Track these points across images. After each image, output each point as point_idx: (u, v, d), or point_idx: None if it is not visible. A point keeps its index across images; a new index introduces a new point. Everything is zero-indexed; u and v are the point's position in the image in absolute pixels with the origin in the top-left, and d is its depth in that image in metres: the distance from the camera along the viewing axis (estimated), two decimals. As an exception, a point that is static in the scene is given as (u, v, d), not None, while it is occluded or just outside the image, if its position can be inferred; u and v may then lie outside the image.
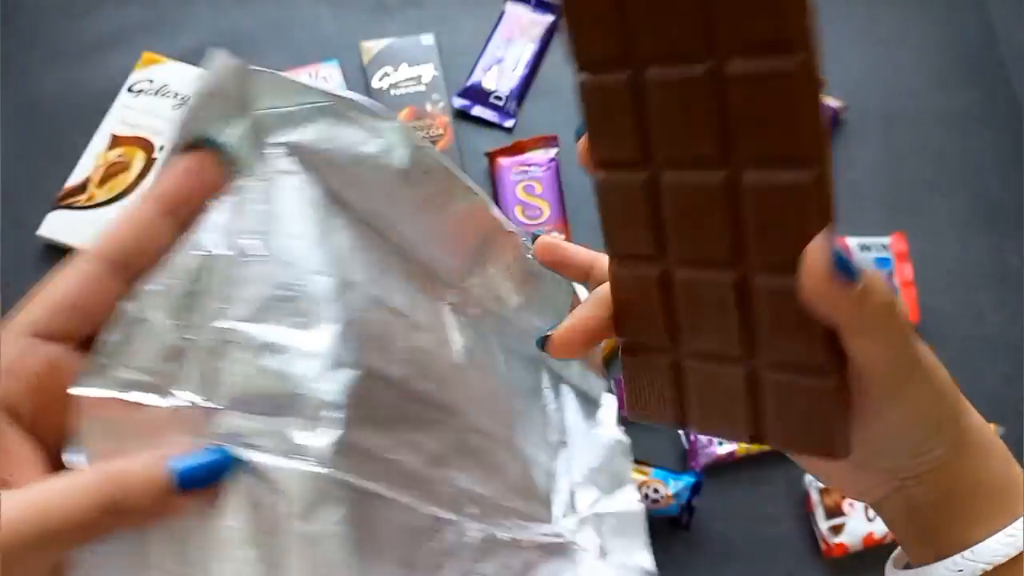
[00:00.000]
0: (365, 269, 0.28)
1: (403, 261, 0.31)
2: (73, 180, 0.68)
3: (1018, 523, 0.26)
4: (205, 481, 0.24)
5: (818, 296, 0.22)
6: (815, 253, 0.22)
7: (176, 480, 0.24)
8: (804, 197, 0.21)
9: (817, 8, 0.20)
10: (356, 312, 0.27)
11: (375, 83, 0.72)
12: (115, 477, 0.23)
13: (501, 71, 0.74)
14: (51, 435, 0.25)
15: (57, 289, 0.25)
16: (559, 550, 0.35)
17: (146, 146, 0.69)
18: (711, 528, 0.60)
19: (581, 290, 0.38)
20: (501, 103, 0.73)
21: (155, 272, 0.25)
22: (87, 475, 0.23)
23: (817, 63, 0.20)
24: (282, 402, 0.24)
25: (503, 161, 0.70)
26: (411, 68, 0.73)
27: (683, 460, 0.62)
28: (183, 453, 0.24)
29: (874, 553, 0.58)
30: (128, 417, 0.25)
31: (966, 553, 0.26)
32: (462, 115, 0.73)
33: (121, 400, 0.24)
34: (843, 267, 0.22)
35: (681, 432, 0.62)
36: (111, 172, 0.68)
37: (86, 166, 0.68)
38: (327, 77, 0.73)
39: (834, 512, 0.58)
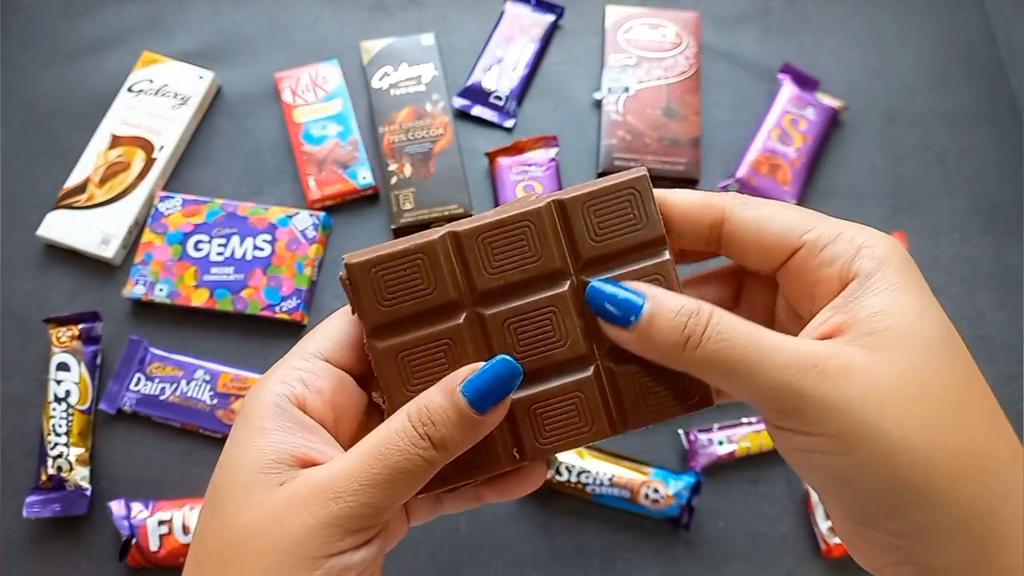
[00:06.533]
0: None
1: None
2: (73, 180, 0.68)
3: None
4: (496, 393, 0.25)
5: (635, 347, 0.26)
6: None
7: (469, 403, 0.25)
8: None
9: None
10: None
11: (375, 83, 0.72)
12: (420, 412, 0.25)
13: (501, 71, 0.74)
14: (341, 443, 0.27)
15: (337, 327, 0.28)
16: None
17: (146, 146, 0.69)
18: (711, 528, 0.60)
19: None
20: (501, 103, 0.73)
21: None
22: (395, 419, 0.25)
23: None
24: None
25: (503, 161, 0.69)
26: (411, 68, 0.73)
27: (683, 460, 0.62)
28: (470, 373, 0.25)
29: (874, 553, 0.58)
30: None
31: None
32: (462, 115, 0.73)
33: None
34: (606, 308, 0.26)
35: (681, 432, 0.62)
36: (111, 172, 0.68)
37: (86, 166, 0.68)
38: (327, 77, 0.73)
39: (834, 512, 0.58)
